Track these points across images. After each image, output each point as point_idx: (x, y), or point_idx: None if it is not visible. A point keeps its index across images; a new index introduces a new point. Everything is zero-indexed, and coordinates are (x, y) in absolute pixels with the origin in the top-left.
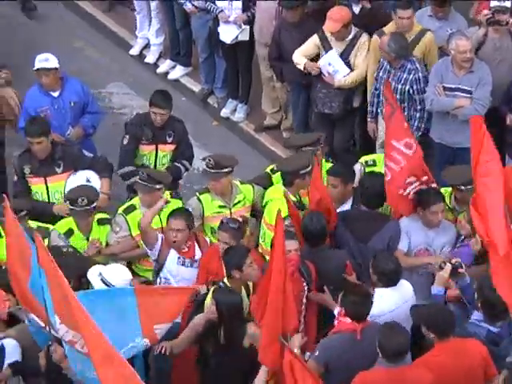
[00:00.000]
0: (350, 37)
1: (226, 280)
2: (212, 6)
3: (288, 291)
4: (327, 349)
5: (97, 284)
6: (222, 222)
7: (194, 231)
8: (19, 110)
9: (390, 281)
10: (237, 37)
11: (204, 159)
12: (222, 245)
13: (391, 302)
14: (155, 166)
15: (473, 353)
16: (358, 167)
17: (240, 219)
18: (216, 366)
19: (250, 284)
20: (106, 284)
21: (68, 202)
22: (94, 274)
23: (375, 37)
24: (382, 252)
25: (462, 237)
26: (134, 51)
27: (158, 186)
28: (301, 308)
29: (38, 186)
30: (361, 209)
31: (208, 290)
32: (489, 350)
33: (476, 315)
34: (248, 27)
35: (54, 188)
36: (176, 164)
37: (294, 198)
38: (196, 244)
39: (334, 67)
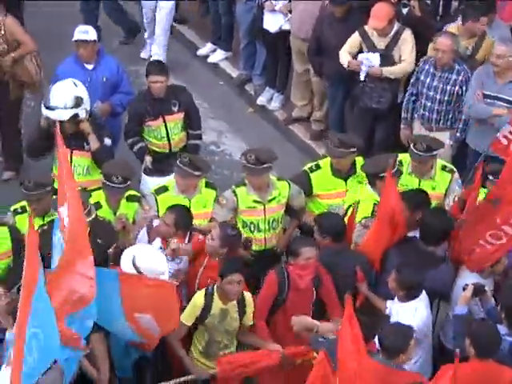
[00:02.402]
0: (393, 32)
1: (215, 286)
2: None
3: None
4: None
5: (126, 266)
6: (225, 224)
7: (195, 230)
8: (40, 73)
9: (417, 293)
10: (281, 26)
11: (244, 154)
12: (208, 237)
13: (425, 310)
14: (168, 137)
15: (506, 381)
16: None
17: (244, 237)
18: None
19: (248, 298)
20: (137, 270)
21: (103, 177)
22: (127, 256)
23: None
24: (405, 266)
25: None
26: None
27: (196, 173)
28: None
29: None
30: (418, 243)
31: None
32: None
33: (500, 329)
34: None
35: (77, 162)
36: (191, 142)
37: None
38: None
39: (370, 63)
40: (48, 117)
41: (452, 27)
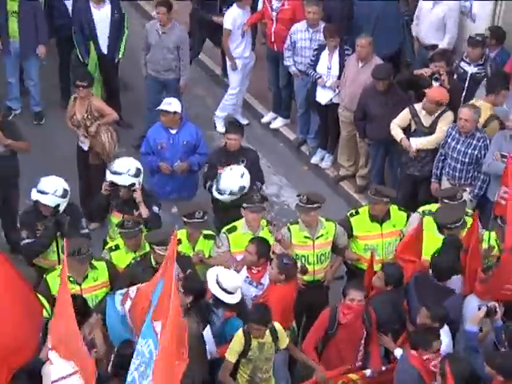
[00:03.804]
0: (438, 113)
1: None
2: (312, 71)
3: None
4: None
5: (211, 282)
6: (282, 255)
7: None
8: (114, 146)
9: (444, 324)
10: (331, 99)
11: (298, 195)
12: (269, 267)
13: (447, 337)
14: None
15: None
16: (416, 216)
17: (299, 265)
18: None
19: (278, 326)
20: (219, 285)
21: (185, 217)
22: (212, 274)
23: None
24: (432, 303)
25: None
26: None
27: (263, 205)
28: (358, 350)
29: (117, 220)
30: (432, 280)
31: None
32: None
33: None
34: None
35: None
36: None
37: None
38: (267, 270)
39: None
40: (112, 182)
41: (479, 98)
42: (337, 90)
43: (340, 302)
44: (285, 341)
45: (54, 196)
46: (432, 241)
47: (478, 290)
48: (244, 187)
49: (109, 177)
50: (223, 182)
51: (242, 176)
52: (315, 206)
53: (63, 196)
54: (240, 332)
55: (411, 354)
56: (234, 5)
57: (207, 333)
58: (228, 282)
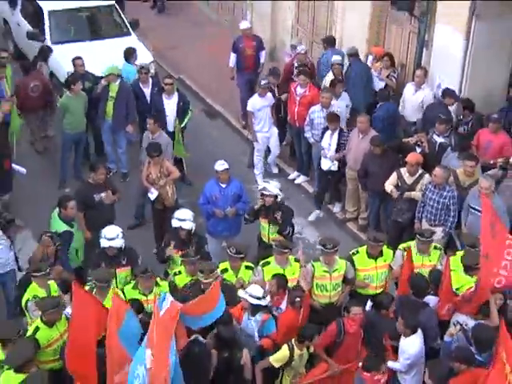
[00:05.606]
0: (417, 175)
1: (293, 341)
2: (319, 145)
3: None
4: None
5: (247, 296)
6: (292, 291)
7: (289, 289)
8: (173, 196)
9: (416, 330)
10: (330, 167)
11: (322, 243)
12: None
13: (419, 341)
14: (268, 233)
15: (482, 376)
16: (399, 253)
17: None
18: None
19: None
20: (251, 295)
21: (228, 249)
22: (242, 293)
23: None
24: (407, 314)
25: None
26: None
27: (285, 250)
28: (358, 350)
29: (176, 256)
30: (411, 297)
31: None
32: None
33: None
34: (337, 163)
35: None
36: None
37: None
38: (285, 298)
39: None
40: (181, 227)
41: (460, 167)
42: (335, 162)
43: (343, 317)
44: (311, 349)
45: (119, 239)
46: (459, 280)
47: (464, 309)
48: (281, 190)
49: (178, 223)
50: (269, 184)
51: (278, 187)
52: (334, 250)
53: (122, 237)
54: (285, 347)
55: (364, 375)
56: (256, 93)
57: (252, 329)
58: (256, 291)
